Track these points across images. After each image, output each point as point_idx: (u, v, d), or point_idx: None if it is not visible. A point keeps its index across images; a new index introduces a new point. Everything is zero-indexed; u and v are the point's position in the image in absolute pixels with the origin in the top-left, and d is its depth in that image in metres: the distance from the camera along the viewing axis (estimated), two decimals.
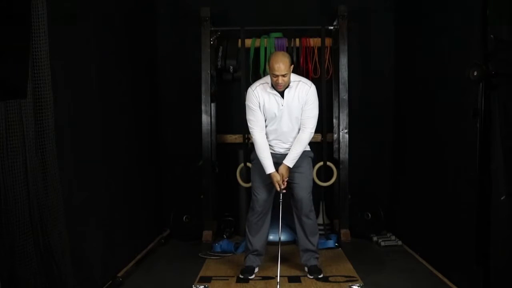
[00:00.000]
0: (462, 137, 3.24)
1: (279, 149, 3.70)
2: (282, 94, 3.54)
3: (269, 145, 3.67)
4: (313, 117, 3.63)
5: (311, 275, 3.70)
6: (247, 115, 3.62)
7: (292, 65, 3.50)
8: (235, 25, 4.87)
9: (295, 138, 3.66)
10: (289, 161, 3.59)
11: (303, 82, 3.59)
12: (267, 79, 3.57)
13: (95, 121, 3.39)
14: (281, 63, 3.38)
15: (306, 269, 3.79)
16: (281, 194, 3.59)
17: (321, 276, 3.67)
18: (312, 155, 3.81)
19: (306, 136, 3.62)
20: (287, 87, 3.53)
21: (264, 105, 3.57)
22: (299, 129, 3.66)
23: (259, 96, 3.56)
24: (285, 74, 3.40)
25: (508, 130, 2.47)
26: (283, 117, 3.58)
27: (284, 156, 3.64)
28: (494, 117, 2.49)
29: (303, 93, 3.54)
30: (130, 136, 4.23)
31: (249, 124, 3.63)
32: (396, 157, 5.03)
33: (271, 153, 3.65)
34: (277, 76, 3.40)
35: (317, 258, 3.79)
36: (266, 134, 3.65)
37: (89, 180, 3.27)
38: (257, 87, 3.59)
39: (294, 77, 3.57)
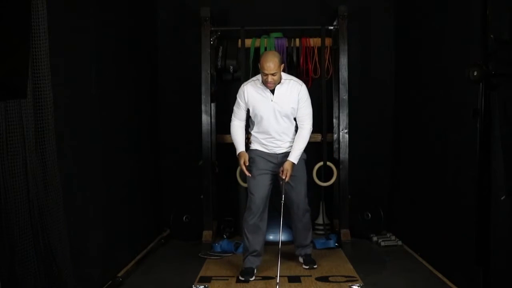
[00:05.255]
0: (462, 137, 3.24)
1: (275, 148, 3.75)
2: (272, 90, 3.63)
3: (265, 144, 3.74)
4: (308, 114, 3.71)
5: (306, 265, 3.87)
6: (234, 106, 3.79)
7: (283, 65, 3.62)
8: (235, 25, 4.87)
9: (290, 137, 3.73)
10: (294, 158, 3.67)
11: (294, 80, 3.70)
12: (259, 76, 3.67)
13: (95, 121, 3.39)
14: (271, 62, 3.48)
15: (301, 259, 3.96)
16: (283, 196, 3.62)
17: (315, 266, 3.84)
18: (305, 157, 3.84)
19: (306, 133, 3.70)
20: (278, 84, 3.62)
21: (253, 101, 3.66)
22: (295, 128, 3.75)
23: (247, 92, 3.68)
24: (275, 73, 3.50)
25: (508, 130, 2.48)
26: (274, 112, 3.64)
27: (281, 155, 3.72)
28: (494, 117, 2.49)
29: (295, 91, 3.65)
30: (130, 136, 4.23)
31: (233, 114, 3.79)
32: (396, 157, 5.03)
33: (267, 153, 3.75)
34: (267, 74, 3.51)
35: (310, 248, 3.98)
36: (260, 132, 3.73)
37: (89, 180, 3.27)
38: (248, 83, 3.73)
39: (285, 75, 3.69)
